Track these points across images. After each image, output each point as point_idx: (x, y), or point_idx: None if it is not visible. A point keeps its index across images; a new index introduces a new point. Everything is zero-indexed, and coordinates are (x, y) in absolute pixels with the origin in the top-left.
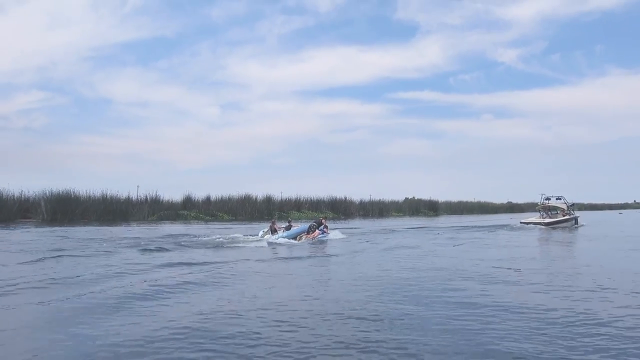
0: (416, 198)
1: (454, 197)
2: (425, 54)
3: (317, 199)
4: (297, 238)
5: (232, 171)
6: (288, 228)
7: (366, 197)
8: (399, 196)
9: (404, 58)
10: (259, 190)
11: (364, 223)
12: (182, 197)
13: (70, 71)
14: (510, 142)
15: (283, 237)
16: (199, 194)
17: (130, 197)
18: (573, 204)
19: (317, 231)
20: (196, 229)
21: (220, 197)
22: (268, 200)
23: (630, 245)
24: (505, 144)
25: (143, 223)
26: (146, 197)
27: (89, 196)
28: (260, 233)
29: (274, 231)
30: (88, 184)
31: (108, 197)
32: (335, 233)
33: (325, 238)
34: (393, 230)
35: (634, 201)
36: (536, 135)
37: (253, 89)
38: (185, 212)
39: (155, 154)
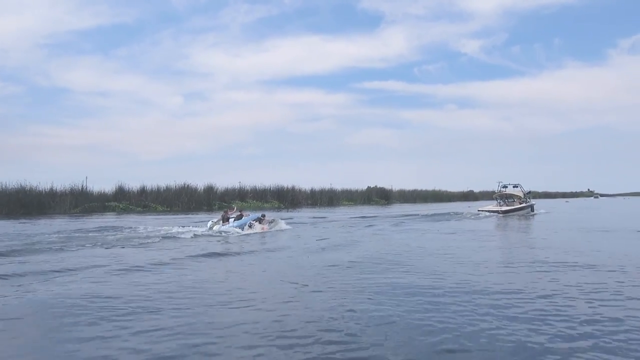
0: (378, 187)
1: (417, 185)
2: (390, 44)
3: (263, 188)
4: (244, 229)
5: (197, 162)
6: (239, 217)
7: (332, 186)
8: (362, 185)
9: (369, 48)
10: (223, 181)
11: (305, 214)
12: (115, 188)
13: (24, 59)
14: (472, 132)
15: (233, 227)
16: (133, 185)
17: (55, 188)
18: (529, 192)
19: (266, 226)
20: (120, 221)
21: (156, 188)
22: (209, 190)
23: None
24: (468, 134)
25: (64, 216)
26: (71, 188)
27: (2, 188)
28: (209, 223)
29: (225, 220)
30: (45, 177)
31: (27, 188)
32: (281, 225)
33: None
34: (327, 220)
35: (588, 189)
36: (498, 126)
37: (217, 78)
38: (114, 204)
39: (117, 144)
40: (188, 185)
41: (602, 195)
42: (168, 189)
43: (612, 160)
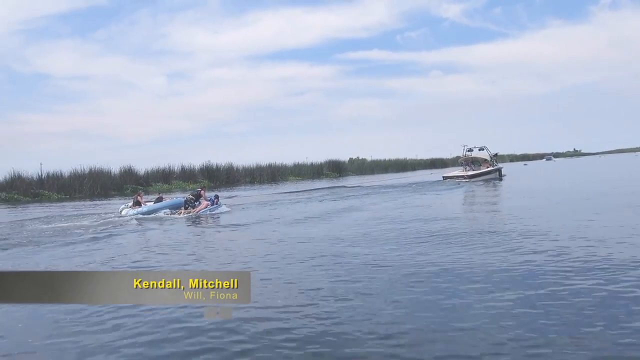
0: (360, 158)
1: (400, 154)
2: (371, 12)
3: (190, 168)
4: (178, 213)
5: (183, 142)
6: (159, 201)
7: (320, 159)
8: (349, 156)
9: (350, 17)
10: (214, 159)
11: (239, 192)
12: (7, 176)
13: (1, 46)
14: (458, 97)
15: (142, 213)
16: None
17: None
18: (496, 154)
19: (205, 202)
20: None
21: (59, 173)
22: (127, 172)
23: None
24: (454, 99)
25: None
26: None
27: None
28: (121, 207)
29: (136, 204)
30: (27, 165)
31: None
32: (222, 208)
33: (214, 212)
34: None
35: (574, 149)
36: (482, 90)
37: (198, 56)
38: None
39: (100, 128)
40: (99, 169)
41: (562, 156)
42: (75, 173)
43: (597, 118)
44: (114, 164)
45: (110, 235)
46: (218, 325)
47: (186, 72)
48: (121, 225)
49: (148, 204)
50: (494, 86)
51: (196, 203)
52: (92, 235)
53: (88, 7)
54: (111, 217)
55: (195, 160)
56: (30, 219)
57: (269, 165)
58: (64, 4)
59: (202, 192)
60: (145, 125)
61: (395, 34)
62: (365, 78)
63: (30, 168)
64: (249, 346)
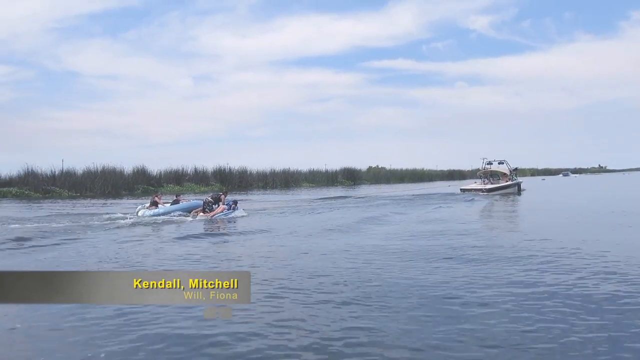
0: (379, 166)
1: (426, 165)
2: (398, 22)
3: (203, 170)
4: (192, 215)
5: (207, 144)
6: (176, 202)
7: (339, 167)
8: (368, 164)
9: (377, 26)
10: (235, 162)
11: (249, 198)
12: (22, 172)
13: (34, 43)
14: (482, 109)
15: (158, 214)
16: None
17: None
18: (516, 169)
19: (222, 206)
20: None
21: (72, 169)
22: (139, 172)
23: None
24: (478, 111)
25: None
26: None
27: None
28: (138, 207)
29: (153, 205)
30: (51, 161)
31: None
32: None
33: (230, 216)
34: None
35: (599, 165)
36: (508, 102)
37: (225, 59)
38: (6, 190)
39: (126, 128)
40: (111, 168)
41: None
42: (88, 172)
43: (625, 135)
44: (137, 164)
45: (119, 236)
46: (218, 325)
47: (212, 74)
48: (130, 226)
49: (166, 204)
50: (519, 99)
51: (214, 206)
52: (100, 235)
53: (121, 7)
54: (121, 218)
55: (217, 162)
56: (34, 217)
57: (283, 170)
58: (98, 4)
59: (223, 196)
60: (170, 126)
61: (421, 44)
62: (390, 87)
63: (54, 164)
64: (249, 346)
